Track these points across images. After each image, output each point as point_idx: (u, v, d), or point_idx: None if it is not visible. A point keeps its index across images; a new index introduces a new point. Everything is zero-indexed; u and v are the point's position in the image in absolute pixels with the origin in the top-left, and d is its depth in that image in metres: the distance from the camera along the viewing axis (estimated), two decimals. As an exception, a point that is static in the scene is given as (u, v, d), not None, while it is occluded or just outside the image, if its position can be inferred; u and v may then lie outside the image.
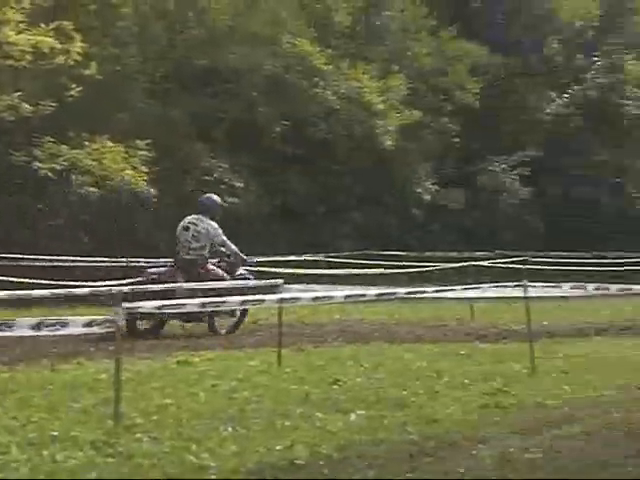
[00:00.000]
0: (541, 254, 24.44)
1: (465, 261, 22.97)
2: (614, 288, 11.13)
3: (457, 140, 29.91)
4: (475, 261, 22.66)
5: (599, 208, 30.79)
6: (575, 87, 31.72)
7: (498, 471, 5.97)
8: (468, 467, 6.03)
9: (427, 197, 28.70)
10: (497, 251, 25.89)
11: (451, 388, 8.91)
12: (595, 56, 32.25)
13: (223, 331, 13.84)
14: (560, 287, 11.18)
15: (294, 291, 11.14)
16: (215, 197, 14.68)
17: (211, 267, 13.91)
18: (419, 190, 28.61)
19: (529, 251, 24.86)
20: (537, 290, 11.23)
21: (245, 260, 14.37)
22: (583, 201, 30.57)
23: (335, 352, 11.64)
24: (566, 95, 31.66)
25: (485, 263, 22.17)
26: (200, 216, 14.14)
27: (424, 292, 11.80)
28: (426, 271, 22.40)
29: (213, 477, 5.68)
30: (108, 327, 7.32)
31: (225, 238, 14.09)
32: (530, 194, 29.87)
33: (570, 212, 30.41)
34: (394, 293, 11.82)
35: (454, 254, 25.77)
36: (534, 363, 10.01)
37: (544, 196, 30.50)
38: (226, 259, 14.19)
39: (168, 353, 11.36)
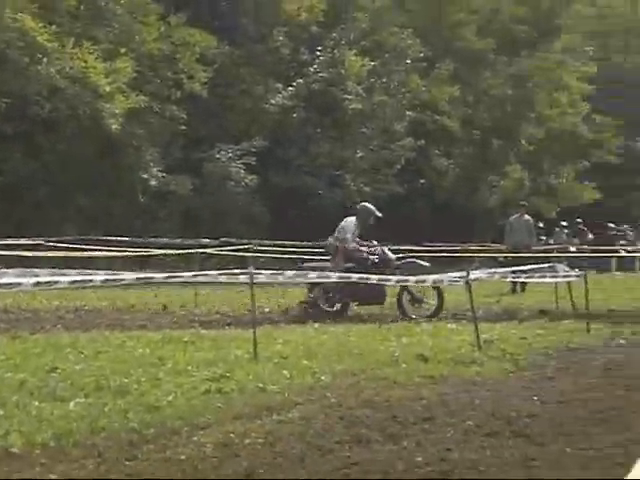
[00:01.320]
0: (266, 242, 24.89)
1: (190, 248, 22.99)
2: (334, 276, 11.50)
3: (184, 127, 29.81)
4: (201, 248, 22.72)
5: (320, 199, 31.76)
6: (299, 80, 32.49)
7: (218, 457, 5.99)
8: (189, 454, 6.01)
9: (153, 183, 28.42)
10: (222, 239, 26.08)
11: (174, 375, 8.85)
12: (319, 50, 33.18)
13: None
14: (284, 274, 11.37)
15: (11, 276, 10.63)
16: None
17: None
18: (145, 176, 28.28)
19: (254, 239, 25.23)
20: (263, 277, 11.39)
21: None
22: (305, 191, 31.44)
23: (53, 339, 11.28)
24: (291, 87, 32.37)
25: (212, 250, 22.30)
26: None
27: (152, 278, 11.67)
28: (151, 257, 22.22)
29: None
30: None
31: None
32: (256, 183, 30.29)
33: (293, 202, 31.22)
34: (122, 279, 11.54)
35: (178, 241, 25.71)
36: (256, 349, 10.15)
37: (269, 186, 31.05)
38: None
39: None
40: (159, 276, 11.52)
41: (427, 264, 16.18)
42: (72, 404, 7.29)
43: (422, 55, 34.99)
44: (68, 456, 5.80)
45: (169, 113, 28.88)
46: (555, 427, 7.07)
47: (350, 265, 15.24)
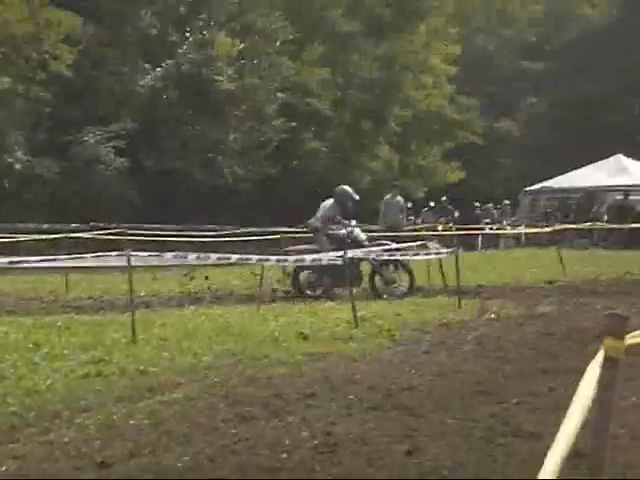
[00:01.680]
0: (137, 226, 24.55)
1: (59, 232, 22.50)
2: (214, 257, 11.49)
3: (50, 110, 29.04)
4: (70, 233, 22.27)
5: (193, 182, 31.52)
6: (169, 61, 32.05)
7: (102, 439, 5.93)
8: (72, 437, 5.94)
9: (18, 167, 27.62)
10: (92, 223, 25.62)
11: (51, 359, 8.70)
12: (188, 31, 32.81)
13: None
14: (162, 256, 11.27)
15: None
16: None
17: None
18: (10, 160, 27.45)
19: (126, 223, 24.85)
20: (138, 260, 11.27)
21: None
22: (177, 174, 31.13)
23: None
24: (160, 68, 31.89)
25: (85, 235, 21.86)
26: None
27: (26, 262, 11.40)
28: (18, 242, 21.61)
29: None
30: None
31: None
32: (126, 166, 29.78)
33: (166, 185, 30.87)
34: None
35: (46, 226, 25.16)
36: (135, 332, 10.04)
37: (141, 169, 30.61)
38: None
39: None
40: (32, 259, 11.27)
41: (394, 244, 16.47)
42: (-55, 391, 7.10)
43: (292, 37, 35.06)
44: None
45: (34, 95, 28.05)
46: (434, 399, 7.26)
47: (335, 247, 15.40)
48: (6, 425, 6.16)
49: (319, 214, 16.60)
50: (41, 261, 11.06)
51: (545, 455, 2.90)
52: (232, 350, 9.61)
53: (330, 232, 16.29)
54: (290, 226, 25.40)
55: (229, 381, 7.93)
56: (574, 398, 3.20)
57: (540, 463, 2.90)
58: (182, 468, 5.31)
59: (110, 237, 21.22)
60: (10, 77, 26.59)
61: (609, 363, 3.24)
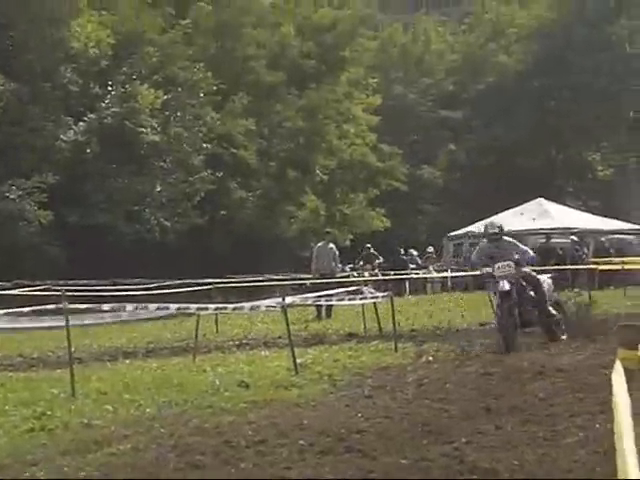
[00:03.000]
0: (62, 282, 24.10)
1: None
2: (152, 307, 11.39)
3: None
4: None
5: (118, 235, 31.22)
6: (91, 115, 31.86)
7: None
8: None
9: None
10: (16, 281, 25.06)
11: (-9, 416, 8.50)
12: (109, 85, 32.68)
13: None
14: (101, 307, 11.12)
15: None
16: None
17: None
18: None
19: (50, 279, 24.37)
20: (72, 317, 11.11)
21: None
22: (102, 228, 30.81)
23: None
24: (82, 123, 31.67)
25: (15, 292, 21.38)
26: None
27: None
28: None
29: None
30: None
31: None
32: (50, 221, 29.36)
33: (90, 239, 30.48)
34: None
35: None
36: (74, 386, 9.87)
37: (64, 223, 30.21)
38: None
39: None
40: None
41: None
42: None
43: (215, 89, 35.16)
44: None
45: (-46, 151, 27.64)
46: (385, 440, 7.28)
47: None
48: (-48, 483, 5.99)
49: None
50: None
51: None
52: (175, 401, 9.52)
53: None
54: (219, 276, 25.25)
55: (176, 431, 7.84)
56: (616, 406, 3.23)
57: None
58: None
59: (39, 293, 20.82)
60: None
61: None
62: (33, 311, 10.54)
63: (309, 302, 15.32)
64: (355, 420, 8.22)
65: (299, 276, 27.82)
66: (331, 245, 23.55)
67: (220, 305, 12.95)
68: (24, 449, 7.01)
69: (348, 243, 41.08)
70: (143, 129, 31.64)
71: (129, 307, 11.11)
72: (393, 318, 14.29)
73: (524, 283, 13.92)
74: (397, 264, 34.67)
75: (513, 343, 13.29)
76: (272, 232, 37.55)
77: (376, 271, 32.00)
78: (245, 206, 36.43)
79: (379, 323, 15.97)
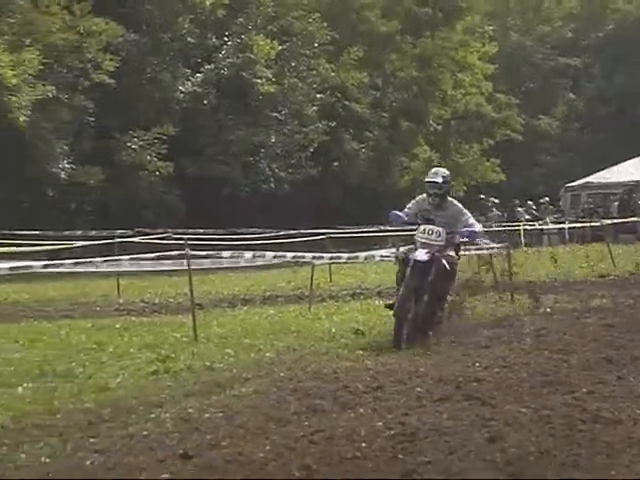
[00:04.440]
0: (181, 231, 24.62)
1: (104, 239, 22.61)
2: (269, 255, 11.56)
3: (93, 118, 29.32)
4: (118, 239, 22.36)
5: (234, 186, 31.65)
6: (208, 66, 32.23)
7: (180, 432, 5.97)
8: (151, 430, 5.99)
9: (63, 175, 27.87)
10: (137, 229, 25.72)
11: (117, 358, 8.81)
12: (226, 36, 32.97)
13: None
14: (220, 254, 11.34)
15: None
16: None
17: None
18: (55, 169, 27.71)
19: (169, 228, 24.93)
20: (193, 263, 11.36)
21: None
22: (219, 179, 31.26)
23: (-18, 331, 11.05)
24: (200, 74, 32.08)
25: (137, 239, 21.96)
26: None
27: (63, 265, 11.55)
28: (67, 248, 21.81)
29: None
30: None
31: None
32: (169, 172, 29.96)
33: (207, 190, 31.00)
34: (30, 266, 11.26)
35: (93, 232, 25.30)
36: (196, 331, 10.13)
37: (183, 174, 30.77)
38: None
39: None
40: (68, 262, 11.37)
41: None
42: (20, 389, 7.25)
43: (329, 39, 35.12)
44: (31, 437, 5.74)
45: (77, 103, 28.30)
46: (504, 389, 7.23)
47: None
48: (83, 421, 6.23)
49: None
50: (74, 264, 11.19)
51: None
52: (292, 346, 9.66)
53: None
54: (332, 226, 25.38)
55: (295, 375, 7.96)
56: None
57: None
58: (263, 458, 5.32)
59: (160, 241, 21.32)
60: (54, 86, 26.81)
61: None
62: (157, 257, 10.79)
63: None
64: (472, 369, 8.18)
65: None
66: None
67: (335, 254, 13.00)
68: (149, 391, 7.23)
69: (462, 194, 40.68)
70: (258, 80, 31.87)
71: (247, 255, 11.31)
72: (510, 269, 14.11)
73: (445, 266, 10.12)
74: (512, 215, 34.25)
75: (408, 336, 9.78)
76: (384, 183, 37.45)
77: (490, 223, 31.66)
78: (357, 157, 36.38)
79: (495, 274, 15.79)
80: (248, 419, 6.32)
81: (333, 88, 35.63)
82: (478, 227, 10.66)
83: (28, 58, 25.99)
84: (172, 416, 6.36)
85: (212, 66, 32.00)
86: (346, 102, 36.39)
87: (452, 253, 10.43)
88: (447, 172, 10.79)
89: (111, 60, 28.73)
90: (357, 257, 13.07)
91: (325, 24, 34.95)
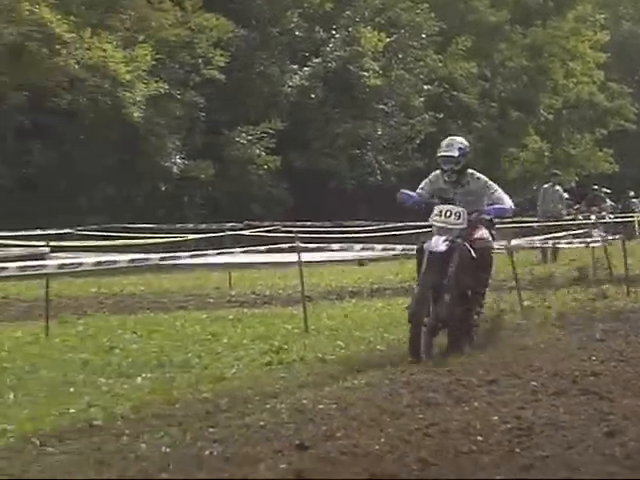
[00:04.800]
0: (289, 224, 24.82)
1: (215, 232, 22.96)
2: (378, 248, 11.57)
3: (203, 113, 29.81)
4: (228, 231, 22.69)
5: (340, 179, 31.76)
6: (316, 60, 32.40)
7: (295, 422, 6.04)
8: (267, 420, 6.07)
9: (175, 170, 28.44)
10: (246, 222, 26.05)
11: (231, 349, 8.96)
12: (333, 29, 33.09)
13: None
14: (330, 246, 11.42)
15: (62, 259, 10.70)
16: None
17: None
18: (167, 164, 28.30)
19: (277, 221, 25.18)
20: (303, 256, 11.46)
21: None
22: (325, 172, 31.42)
23: (102, 322, 11.38)
24: (307, 68, 32.28)
25: (247, 232, 22.25)
26: None
27: (179, 257, 11.79)
28: (180, 241, 22.21)
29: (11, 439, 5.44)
30: None
31: None
32: (277, 165, 30.27)
33: (314, 183, 31.20)
34: (147, 259, 11.48)
35: (203, 226, 25.73)
36: (307, 323, 10.22)
37: (290, 168, 31.03)
38: None
39: None
40: (184, 255, 11.60)
41: None
42: (139, 379, 7.43)
43: (437, 29, 34.92)
44: (150, 426, 5.88)
45: (188, 99, 28.81)
46: (622, 383, 7.11)
47: None
48: (201, 411, 6.35)
49: None
50: (191, 256, 11.43)
51: None
52: (402, 339, 9.63)
53: None
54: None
55: (407, 368, 7.96)
56: None
57: None
58: (378, 450, 5.34)
59: (269, 234, 21.54)
60: (166, 82, 27.36)
61: None
62: (269, 249, 10.95)
63: (536, 244, 14.97)
64: (589, 363, 8.05)
65: (522, 219, 27.29)
66: (557, 187, 23.05)
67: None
68: (264, 381, 7.32)
69: (573, 185, 39.95)
70: (365, 72, 31.90)
71: (357, 247, 11.33)
72: (625, 261, 13.81)
73: (471, 254, 8.63)
74: (626, 206, 33.46)
75: (426, 344, 8.40)
76: (493, 174, 36.90)
77: (603, 214, 30.96)
78: (465, 148, 36.04)
79: (610, 266, 15.48)
80: (362, 411, 6.34)
81: (441, 79, 35.38)
82: (508, 202, 9.03)
83: (141, 54, 26.58)
84: (287, 407, 6.43)
85: (319, 59, 32.13)
86: (454, 93, 36.11)
87: (484, 234, 8.87)
88: (465, 142, 9.19)
89: (221, 55, 29.16)
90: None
91: (433, 15, 34.75)
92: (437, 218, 8.71)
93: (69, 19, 25.24)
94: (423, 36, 34.69)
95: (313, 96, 31.94)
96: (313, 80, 31.85)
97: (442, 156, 8.97)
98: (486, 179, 9.15)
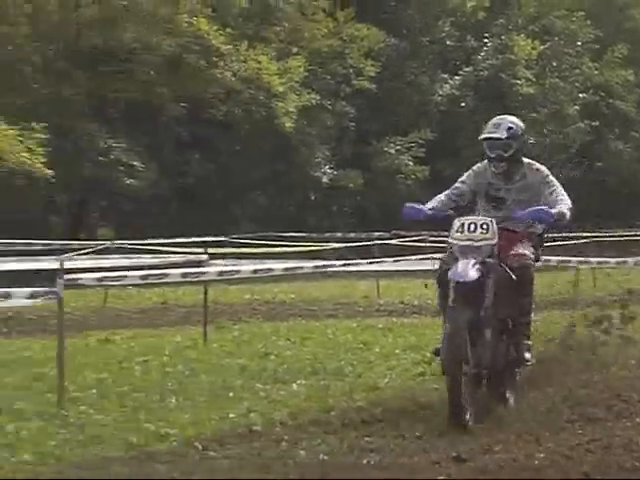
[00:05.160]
0: (436, 233, 24.61)
1: (363, 241, 23.06)
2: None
3: (353, 123, 30.04)
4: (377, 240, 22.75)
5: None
6: (467, 68, 32.23)
7: (452, 435, 5.99)
8: (423, 431, 6.05)
9: (325, 179, 28.77)
10: (394, 231, 26.03)
11: (384, 358, 8.98)
12: (485, 37, 32.84)
13: None
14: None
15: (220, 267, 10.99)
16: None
17: None
18: (317, 173, 28.66)
19: (424, 231, 25.05)
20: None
21: None
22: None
23: (256, 328, 11.62)
24: (458, 77, 32.13)
25: (395, 241, 22.27)
26: None
27: (332, 266, 11.89)
28: (329, 249, 22.41)
29: (174, 443, 5.60)
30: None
31: None
32: (425, 175, 30.19)
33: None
34: (301, 267, 11.62)
35: (352, 234, 25.88)
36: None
37: (439, 177, 30.87)
38: None
39: (79, 331, 11.15)
40: (337, 263, 11.69)
41: None
42: (295, 386, 7.53)
43: (593, 37, 34.20)
44: (308, 433, 5.95)
45: (339, 109, 29.10)
46: None
47: None
48: (357, 419, 6.37)
49: None
50: (343, 265, 11.52)
51: None
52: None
53: None
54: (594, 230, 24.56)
55: (564, 383, 7.77)
56: None
57: None
58: (539, 465, 5.25)
59: (416, 244, 21.46)
60: (317, 92, 27.70)
61: None
62: (419, 259, 10.94)
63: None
64: None
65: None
66: None
67: (601, 259, 12.59)
68: (417, 392, 7.26)
69: None
70: (517, 81, 31.50)
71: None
72: None
73: (510, 275, 6.66)
74: None
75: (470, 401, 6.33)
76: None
77: None
78: (620, 157, 35.06)
79: None
80: (520, 426, 6.25)
81: (596, 87, 34.60)
82: (564, 206, 6.78)
83: (294, 65, 27.02)
84: (442, 418, 6.37)
85: (471, 68, 31.97)
86: (610, 100, 35.21)
87: (527, 251, 6.86)
88: (518, 122, 7.09)
89: (372, 65, 29.32)
90: (626, 262, 12.58)
91: (588, 22, 34.04)
92: (459, 235, 6.61)
93: (226, 31, 25.86)
94: (578, 44, 34.06)
95: (463, 105, 31.75)
96: (464, 89, 31.70)
97: (486, 138, 6.91)
98: (547, 172, 7.07)
